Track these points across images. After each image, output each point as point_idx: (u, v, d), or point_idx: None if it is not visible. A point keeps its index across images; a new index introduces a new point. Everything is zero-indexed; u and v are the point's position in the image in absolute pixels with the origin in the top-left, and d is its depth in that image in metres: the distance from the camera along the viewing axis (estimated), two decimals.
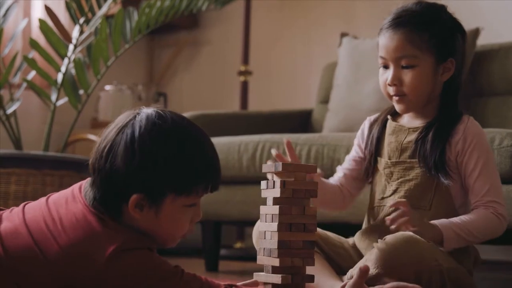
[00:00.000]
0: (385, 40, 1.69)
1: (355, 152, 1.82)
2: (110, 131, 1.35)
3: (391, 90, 1.70)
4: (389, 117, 1.77)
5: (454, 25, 1.71)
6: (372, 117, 1.83)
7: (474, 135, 1.67)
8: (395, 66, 1.68)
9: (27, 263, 1.29)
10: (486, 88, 2.82)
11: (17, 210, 1.38)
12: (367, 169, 1.77)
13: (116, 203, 1.34)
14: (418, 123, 1.73)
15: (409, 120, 1.75)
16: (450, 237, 1.60)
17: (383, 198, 1.72)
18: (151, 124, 1.33)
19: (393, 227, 1.56)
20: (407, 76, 1.67)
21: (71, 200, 1.36)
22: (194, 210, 1.39)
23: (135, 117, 1.35)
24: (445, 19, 1.70)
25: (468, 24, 2.82)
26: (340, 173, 1.81)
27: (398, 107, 1.72)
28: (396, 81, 1.68)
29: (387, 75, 1.70)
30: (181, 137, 1.34)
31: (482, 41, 2.85)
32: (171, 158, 1.32)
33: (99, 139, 1.36)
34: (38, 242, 1.30)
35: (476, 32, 2.82)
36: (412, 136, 1.71)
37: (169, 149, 1.32)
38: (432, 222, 1.61)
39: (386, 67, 1.71)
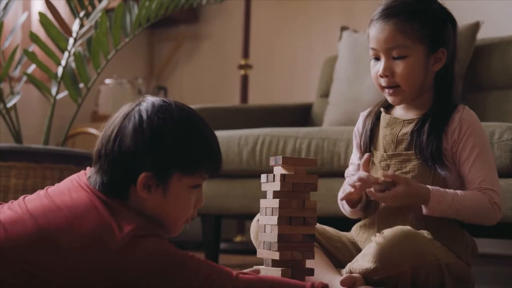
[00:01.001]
0: (375, 31, 1.69)
1: (357, 151, 1.81)
2: (115, 119, 1.40)
3: (383, 81, 1.70)
4: (382, 109, 1.77)
5: (444, 14, 1.71)
6: (365, 112, 1.82)
7: (470, 123, 1.67)
8: (386, 57, 1.68)
9: (33, 250, 1.30)
10: (486, 82, 2.82)
11: (17, 201, 1.39)
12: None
13: (124, 185, 1.37)
14: (412, 114, 1.73)
15: (403, 112, 1.75)
16: (436, 201, 1.60)
17: None
18: (157, 106, 1.39)
19: (374, 195, 1.59)
20: (399, 67, 1.67)
21: (73, 189, 1.38)
22: (197, 193, 1.42)
23: (140, 103, 1.40)
24: (435, 9, 1.69)
25: (468, 18, 2.82)
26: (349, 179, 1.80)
27: (390, 99, 1.72)
28: (388, 72, 1.68)
29: (379, 66, 1.69)
30: (187, 119, 1.40)
31: (483, 34, 2.85)
32: (179, 137, 1.37)
33: (104, 128, 1.40)
34: (43, 229, 1.31)
35: (477, 26, 2.82)
36: (408, 128, 1.70)
37: (177, 128, 1.38)
38: (426, 186, 1.62)
39: (377, 58, 1.71)
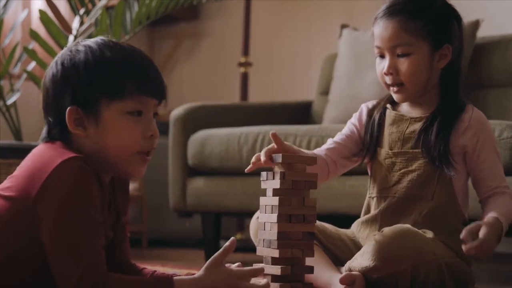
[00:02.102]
0: (379, 29, 1.69)
1: (348, 129, 1.79)
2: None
3: (388, 79, 1.70)
4: (388, 106, 1.77)
5: (448, 11, 1.71)
6: (370, 104, 1.81)
7: (482, 126, 1.68)
8: (390, 55, 1.68)
9: None
10: (486, 80, 2.82)
11: None
12: (363, 151, 1.75)
13: (61, 129, 1.32)
14: (419, 112, 1.73)
15: (409, 109, 1.75)
16: (506, 221, 1.60)
17: (384, 189, 1.72)
18: (71, 46, 1.34)
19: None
20: (403, 64, 1.67)
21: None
22: (144, 122, 1.34)
23: None
24: (439, 6, 1.70)
25: (468, 16, 2.81)
26: (329, 143, 1.78)
27: (395, 97, 1.72)
28: (392, 70, 1.68)
29: (384, 64, 1.69)
30: (101, 46, 1.32)
31: (483, 33, 2.85)
32: (91, 61, 1.30)
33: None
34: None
35: (477, 24, 2.82)
36: (415, 126, 1.70)
37: (88, 55, 1.30)
38: (491, 218, 1.58)
39: (382, 56, 1.71)
